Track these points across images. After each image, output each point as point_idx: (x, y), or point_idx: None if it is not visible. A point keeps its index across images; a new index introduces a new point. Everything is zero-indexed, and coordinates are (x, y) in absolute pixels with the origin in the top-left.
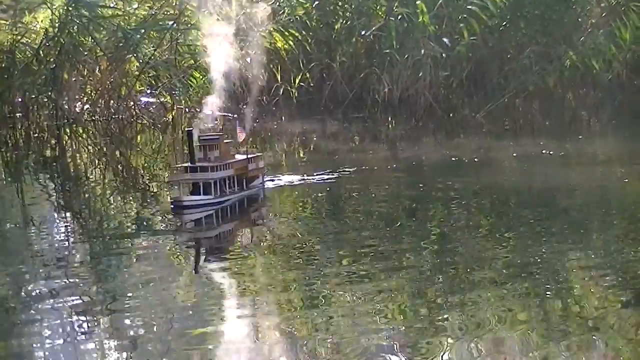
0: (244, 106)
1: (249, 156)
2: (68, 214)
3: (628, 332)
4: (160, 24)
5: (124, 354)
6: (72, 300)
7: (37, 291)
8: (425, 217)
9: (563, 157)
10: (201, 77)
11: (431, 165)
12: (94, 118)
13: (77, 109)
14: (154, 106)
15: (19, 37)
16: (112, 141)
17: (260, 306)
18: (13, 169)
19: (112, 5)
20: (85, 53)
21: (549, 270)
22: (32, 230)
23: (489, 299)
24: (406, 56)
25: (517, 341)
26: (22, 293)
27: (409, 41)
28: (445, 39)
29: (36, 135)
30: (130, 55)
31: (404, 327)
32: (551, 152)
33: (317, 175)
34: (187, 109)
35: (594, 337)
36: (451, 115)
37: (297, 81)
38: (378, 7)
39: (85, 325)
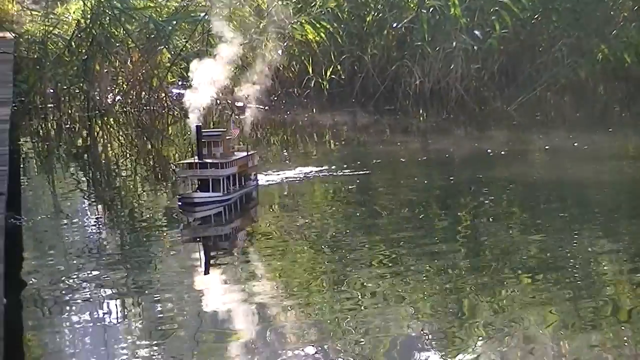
0: (275, 98)
1: (249, 153)
2: (99, 205)
3: None
4: (192, 16)
5: (156, 345)
6: (104, 291)
7: (69, 282)
8: (456, 209)
9: (594, 150)
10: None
11: (462, 157)
12: (125, 109)
13: (109, 100)
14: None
15: (51, 29)
16: (144, 132)
17: (289, 296)
18: (44, 159)
19: None
20: (117, 44)
21: (580, 263)
22: (64, 221)
23: (520, 290)
24: (437, 48)
25: (548, 333)
26: (54, 284)
27: (440, 34)
28: (476, 32)
29: (68, 126)
30: (162, 47)
31: (434, 317)
32: (582, 145)
33: (347, 166)
34: (218, 101)
35: (624, 329)
36: (482, 107)
37: (328, 73)
38: (409, 0)
39: (117, 316)
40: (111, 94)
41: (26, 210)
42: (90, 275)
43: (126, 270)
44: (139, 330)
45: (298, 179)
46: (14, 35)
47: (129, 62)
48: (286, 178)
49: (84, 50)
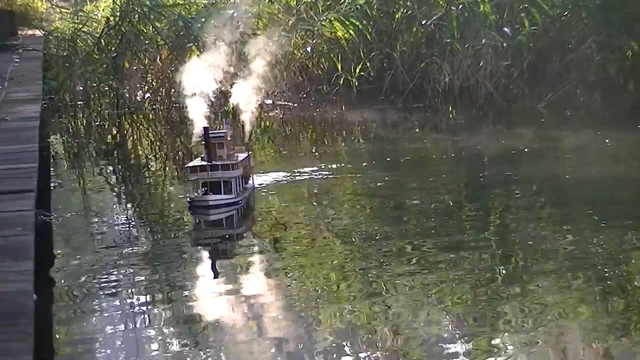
0: (304, 95)
1: (249, 154)
2: (129, 202)
3: None
4: (221, 13)
5: (187, 340)
6: (134, 287)
7: (99, 278)
8: (485, 207)
9: (623, 147)
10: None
11: (491, 154)
12: (154, 106)
13: (138, 98)
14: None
15: (80, 26)
16: (173, 129)
17: (318, 295)
18: (74, 157)
19: None
20: (146, 42)
21: (610, 261)
22: (93, 218)
23: (549, 289)
24: (467, 45)
25: (578, 332)
26: (84, 280)
27: (469, 30)
28: (506, 29)
29: (97, 123)
30: (191, 44)
31: (463, 317)
32: (612, 143)
33: (375, 163)
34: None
35: None
36: (511, 105)
37: (357, 70)
38: None
39: (147, 312)
40: (140, 92)
41: (56, 208)
42: (120, 271)
43: (156, 267)
44: (170, 326)
45: (326, 175)
46: (43, 32)
47: (158, 60)
48: (314, 174)
49: (113, 48)
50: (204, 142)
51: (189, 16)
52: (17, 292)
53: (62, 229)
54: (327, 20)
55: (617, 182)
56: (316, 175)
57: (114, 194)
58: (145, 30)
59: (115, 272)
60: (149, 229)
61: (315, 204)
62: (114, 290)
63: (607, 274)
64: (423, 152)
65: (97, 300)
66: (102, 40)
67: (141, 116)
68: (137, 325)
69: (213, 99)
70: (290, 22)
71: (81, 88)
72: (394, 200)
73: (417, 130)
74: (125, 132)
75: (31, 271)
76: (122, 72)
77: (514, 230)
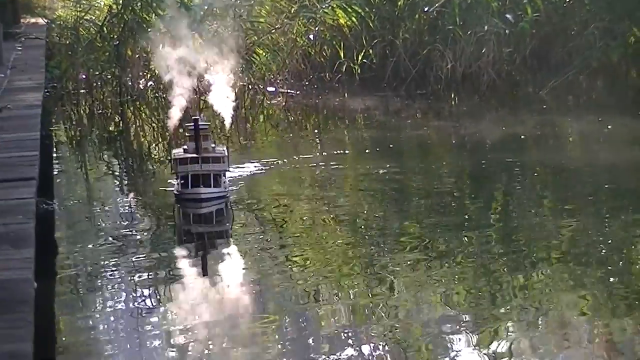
0: (307, 83)
1: (226, 147)
2: (132, 190)
3: None
4: (224, 0)
5: (190, 330)
6: (136, 276)
7: (101, 267)
8: (487, 193)
9: (626, 134)
10: (264, 53)
11: (493, 141)
12: (157, 94)
13: (141, 86)
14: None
15: (83, 14)
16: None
17: (320, 284)
18: (77, 145)
19: None
20: (149, 30)
21: (612, 247)
22: (96, 206)
23: (552, 274)
24: (469, 32)
25: (581, 318)
26: (86, 269)
27: (472, 17)
28: (508, 15)
29: (100, 111)
30: (194, 32)
31: (465, 302)
32: (614, 129)
33: (378, 150)
34: (250, 86)
35: None
36: (514, 91)
37: (359, 58)
38: None
39: (150, 301)
40: (143, 80)
41: (58, 196)
42: (122, 260)
43: (159, 256)
44: (173, 315)
45: (328, 161)
46: (46, 21)
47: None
48: (316, 160)
49: (115, 36)
50: (190, 134)
51: (191, 4)
52: (17, 280)
53: (65, 217)
54: (330, 7)
55: (619, 169)
56: (318, 161)
57: (117, 182)
58: (147, 18)
59: (118, 260)
60: (152, 217)
61: (317, 190)
62: (116, 278)
63: (609, 260)
64: (425, 139)
65: (100, 288)
66: (105, 28)
67: (144, 104)
68: (140, 313)
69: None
70: (293, 9)
71: (84, 76)
72: (397, 186)
73: (420, 117)
74: (128, 120)
75: (32, 259)
76: (124, 60)
77: (517, 216)
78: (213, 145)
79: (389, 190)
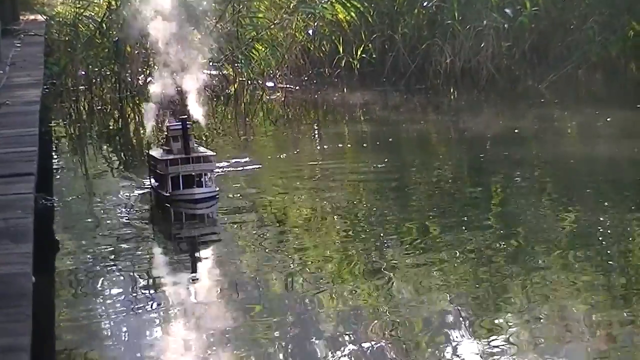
0: (306, 78)
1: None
2: (131, 186)
3: None
4: None
5: (190, 324)
6: (136, 271)
7: (100, 262)
8: (486, 187)
9: (625, 127)
10: (263, 49)
11: (493, 135)
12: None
13: (140, 82)
14: (216, 79)
15: (82, 11)
16: (174, 113)
17: (320, 279)
18: (76, 141)
19: None
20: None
21: (612, 240)
22: (95, 202)
23: (552, 267)
24: (468, 27)
25: (581, 310)
26: (85, 264)
27: (471, 12)
28: (507, 10)
29: (99, 108)
30: (193, 28)
31: (465, 296)
32: (614, 123)
33: (378, 145)
34: (249, 82)
35: None
36: (513, 86)
37: (358, 53)
38: None
39: (150, 296)
40: (142, 76)
41: (58, 192)
42: (122, 255)
43: (160, 251)
44: (173, 309)
45: (327, 156)
46: (45, 17)
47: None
48: (314, 155)
49: (114, 32)
50: (174, 134)
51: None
52: (16, 274)
53: (64, 213)
54: (329, 2)
55: (619, 162)
56: (317, 156)
57: (116, 178)
58: (147, 14)
59: (118, 255)
60: (151, 212)
61: (316, 184)
62: (116, 273)
63: (608, 252)
64: (425, 133)
65: (99, 283)
66: (104, 25)
67: (143, 100)
68: (139, 308)
69: (214, 82)
70: (292, 4)
71: (83, 73)
72: (396, 181)
73: (419, 112)
74: (127, 116)
75: (30, 253)
76: (123, 56)
77: (516, 209)
78: (195, 144)
79: (388, 185)
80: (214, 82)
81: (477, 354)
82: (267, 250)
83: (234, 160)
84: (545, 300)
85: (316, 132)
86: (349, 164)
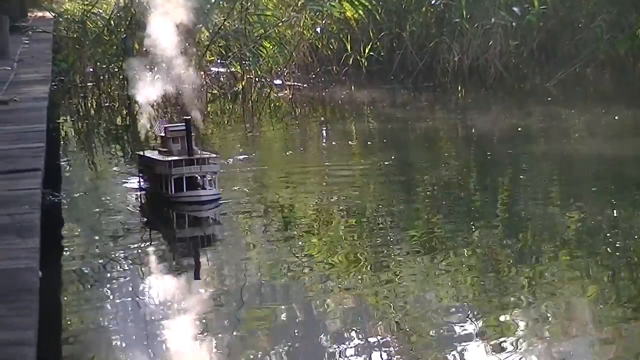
0: (314, 76)
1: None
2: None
3: None
4: None
5: (196, 322)
6: (143, 268)
7: (108, 259)
8: (493, 185)
9: (633, 126)
10: (271, 47)
11: (500, 133)
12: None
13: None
14: (224, 76)
15: (90, 8)
16: (182, 111)
17: (325, 281)
18: (84, 138)
19: None
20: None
21: (618, 238)
22: (103, 199)
23: (558, 265)
24: (476, 25)
25: (587, 308)
26: (92, 260)
27: (479, 10)
28: (515, 8)
29: (107, 104)
30: (201, 25)
31: (472, 294)
32: (622, 121)
33: (385, 142)
34: (256, 79)
35: None
36: (521, 84)
37: (366, 50)
38: None
39: (156, 293)
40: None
41: (65, 188)
42: (129, 252)
43: (166, 248)
44: (179, 307)
45: (335, 154)
46: (53, 14)
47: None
48: (322, 153)
49: (123, 29)
50: (175, 135)
51: None
52: (23, 269)
53: (71, 209)
54: (337, 0)
55: (626, 160)
56: (325, 153)
57: (124, 174)
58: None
59: (125, 252)
60: (158, 209)
61: (323, 181)
62: (123, 270)
63: (616, 250)
64: (432, 131)
65: (106, 280)
66: (112, 22)
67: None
68: (146, 305)
69: (222, 80)
70: (300, 2)
71: (91, 69)
72: (403, 178)
73: (427, 109)
74: (135, 113)
75: (37, 248)
76: (132, 53)
77: (523, 207)
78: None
79: (395, 182)
80: (222, 79)
81: (484, 349)
82: (272, 250)
83: (240, 157)
84: (552, 298)
85: (323, 129)
86: (355, 162)
